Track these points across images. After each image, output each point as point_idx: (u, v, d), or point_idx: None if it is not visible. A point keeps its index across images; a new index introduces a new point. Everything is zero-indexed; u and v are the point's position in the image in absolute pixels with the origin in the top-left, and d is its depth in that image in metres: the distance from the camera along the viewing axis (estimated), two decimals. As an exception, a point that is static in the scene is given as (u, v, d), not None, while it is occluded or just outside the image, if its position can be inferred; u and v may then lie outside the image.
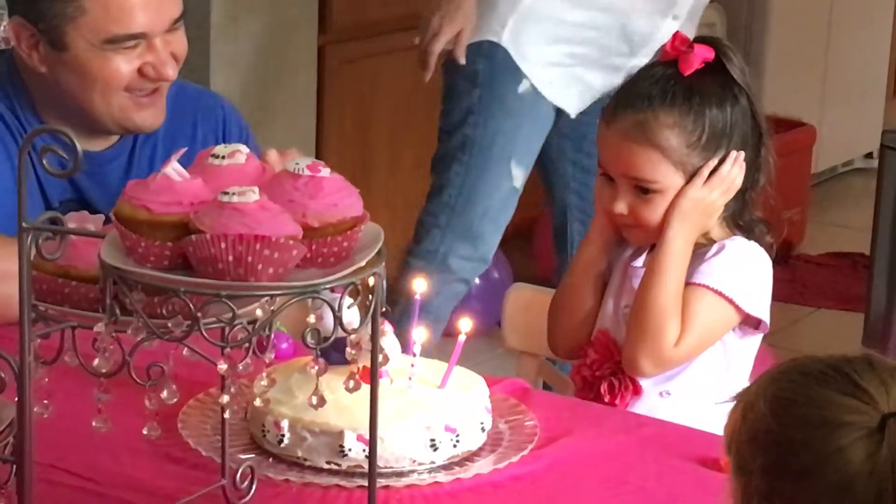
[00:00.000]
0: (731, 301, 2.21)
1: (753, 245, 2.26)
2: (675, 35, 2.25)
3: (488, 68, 3.43)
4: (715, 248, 2.24)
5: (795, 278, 5.32)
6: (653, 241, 2.26)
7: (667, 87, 2.21)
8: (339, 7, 4.56)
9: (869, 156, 6.22)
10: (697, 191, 2.20)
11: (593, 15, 3.44)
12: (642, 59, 3.28)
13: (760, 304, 2.24)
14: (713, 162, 2.20)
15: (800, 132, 5.72)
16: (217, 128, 2.59)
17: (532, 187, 3.63)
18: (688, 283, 2.21)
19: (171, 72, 2.41)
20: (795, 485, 1.31)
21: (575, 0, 3.43)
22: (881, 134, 4.21)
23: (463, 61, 3.41)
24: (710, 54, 2.21)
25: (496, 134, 3.46)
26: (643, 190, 2.22)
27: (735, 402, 1.43)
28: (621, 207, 2.23)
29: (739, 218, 2.27)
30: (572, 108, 3.46)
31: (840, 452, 1.30)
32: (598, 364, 2.27)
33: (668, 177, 2.21)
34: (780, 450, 1.33)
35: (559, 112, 3.50)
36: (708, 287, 2.21)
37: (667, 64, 2.24)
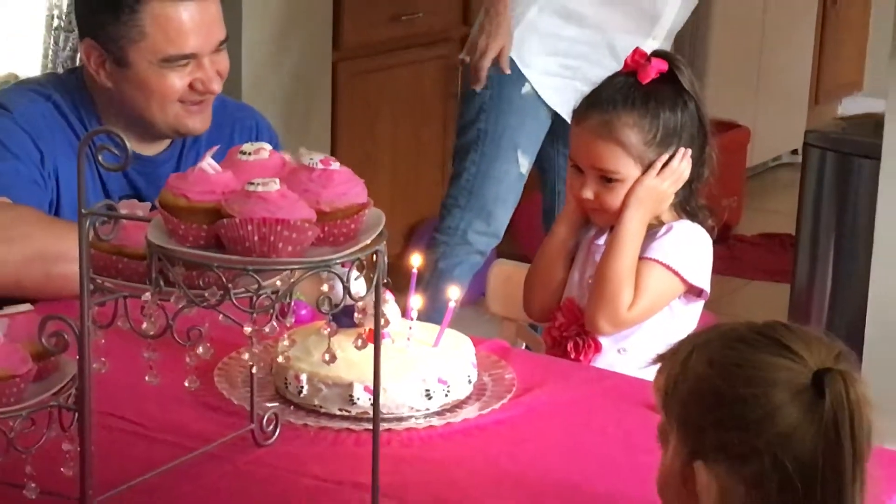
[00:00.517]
0: (676, 273, 2.21)
1: (697, 227, 2.26)
2: (635, 50, 2.25)
3: (497, 73, 3.43)
4: (664, 228, 2.24)
5: (733, 255, 5.32)
6: (614, 222, 2.26)
7: (628, 93, 2.22)
8: (350, 28, 4.55)
9: (794, 152, 6.21)
10: (651, 180, 2.20)
11: (586, 32, 3.45)
12: None
13: (702, 275, 2.24)
14: (665, 156, 2.21)
15: (736, 132, 5.71)
16: (251, 136, 2.59)
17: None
18: (641, 258, 2.21)
19: (217, 86, 2.43)
20: (746, 434, 1.30)
21: (569, 19, 3.44)
22: (804, 133, 4.20)
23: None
24: (664, 66, 2.22)
25: (505, 128, 3.49)
26: (607, 179, 2.22)
27: (664, 361, 1.42)
28: (588, 194, 2.24)
29: (686, 204, 2.27)
30: (566, 113, 3.46)
31: (781, 408, 1.29)
32: (566, 326, 2.27)
33: (628, 168, 2.21)
34: (731, 407, 1.32)
35: (555, 114, 3.50)
36: (657, 261, 2.21)
37: (627, 74, 2.24)
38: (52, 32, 4.81)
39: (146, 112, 2.42)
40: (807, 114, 6.45)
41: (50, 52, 4.83)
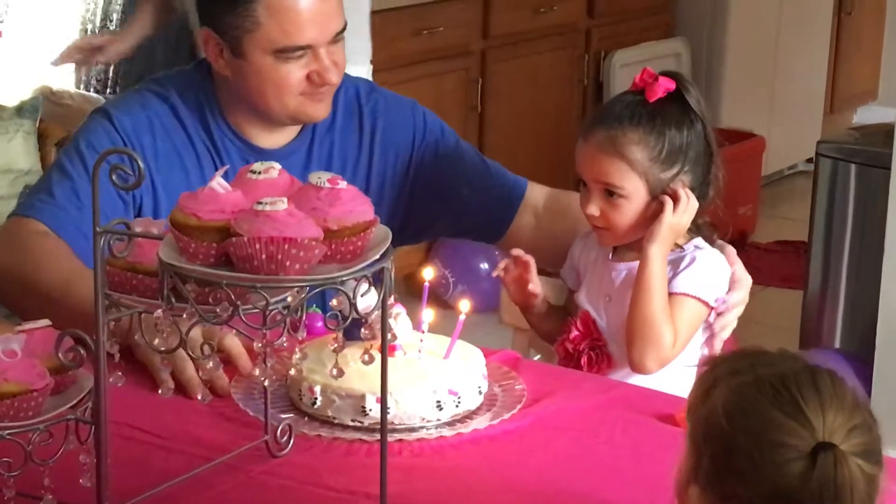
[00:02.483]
0: (705, 302, 2.20)
1: (715, 252, 2.25)
2: (644, 70, 2.24)
3: None
4: (687, 259, 2.21)
5: (748, 262, 5.20)
6: (619, 242, 2.25)
7: (634, 111, 2.20)
8: (377, 43, 4.55)
9: (809, 160, 6.16)
10: (671, 218, 2.18)
11: None
12: None
13: (720, 296, 2.23)
14: (676, 187, 2.19)
15: (752, 142, 5.69)
16: (415, 129, 2.50)
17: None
18: (671, 294, 2.19)
19: (335, 78, 2.31)
20: (735, 481, 1.30)
21: None
22: (816, 144, 4.17)
23: None
24: (671, 85, 2.20)
25: None
26: (612, 195, 2.21)
27: (701, 369, 1.41)
28: (593, 210, 2.22)
29: (693, 223, 2.25)
30: None
31: (777, 467, 1.28)
32: (580, 339, 2.25)
33: (633, 184, 2.19)
34: (726, 449, 1.31)
35: None
36: (688, 295, 2.19)
37: (635, 93, 2.22)
38: (87, 41, 4.83)
39: (263, 102, 2.32)
40: (821, 123, 6.42)
41: (83, 66, 4.85)
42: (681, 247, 2.23)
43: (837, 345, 3.98)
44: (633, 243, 2.25)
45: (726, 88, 5.90)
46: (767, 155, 5.80)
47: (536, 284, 2.28)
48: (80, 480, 1.57)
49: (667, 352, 2.17)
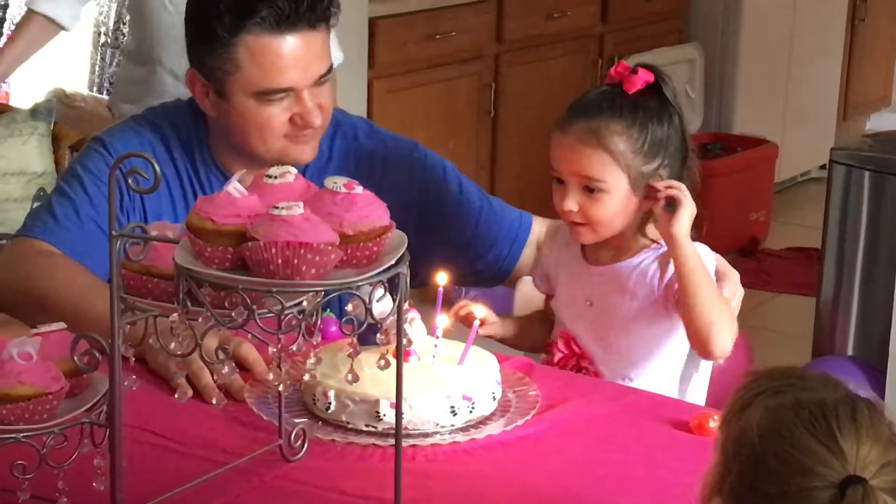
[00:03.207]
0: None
1: (699, 245, 2.15)
2: (619, 63, 2.18)
3: None
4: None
5: (761, 268, 5.29)
6: (598, 239, 2.18)
7: (614, 102, 2.13)
8: (384, 49, 4.56)
9: (823, 167, 6.17)
10: (683, 214, 2.09)
11: None
12: None
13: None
14: (657, 183, 2.13)
15: (765, 148, 5.69)
16: (413, 172, 2.45)
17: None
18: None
19: (318, 121, 2.28)
20: (759, 502, 1.28)
21: None
22: (830, 151, 4.17)
23: None
24: (650, 77, 2.14)
25: None
26: (591, 189, 2.13)
27: (740, 381, 1.38)
28: (571, 205, 2.14)
29: None
30: None
31: (803, 494, 1.26)
32: (565, 361, 2.21)
33: (614, 177, 2.13)
34: (755, 468, 1.29)
35: None
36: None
37: (612, 85, 2.16)
38: (99, 49, 4.84)
39: (247, 144, 2.30)
40: (835, 129, 6.42)
41: (96, 68, 4.87)
42: (656, 241, 2.17)
43: (850, 352, 3.97)
44: (607, 243, 2.19)
45: (739, 94, 5.90)
46: (780, 161, 5.79)
47: (491, 328, 2.23)
48: (94, 484, 1.57)
49: (736, 325, 2.11)
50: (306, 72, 2.26)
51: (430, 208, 2.44)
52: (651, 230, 2.18)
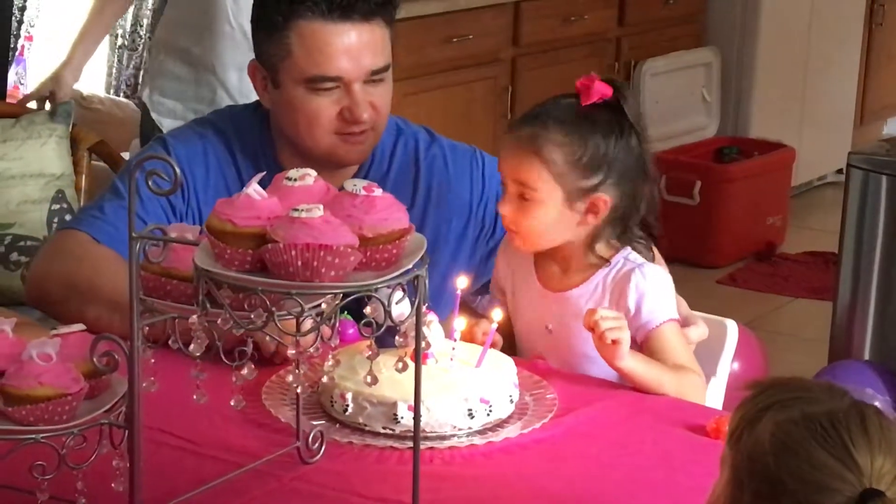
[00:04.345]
0: (676, 320, 2.11)
1: (654, 266, 2.13)
2: (589, 75, 2.13)
3: None
4: (635, 293, 2.08)
5: (777, 273, 5.28)
6: (532, 249, 2.14)
7: (564, 112, 2.09)
8: (401, 52, 4.55)
9: (840, 171, 6.16)
10: (624, 350, 1.98)
11: None
12: None
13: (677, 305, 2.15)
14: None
15: (782, 152, 5.68)
16: (473, 183, 2.43)
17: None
18: (653, 329, 2.08)
19: (366, 116, 2.25)
20: None
21: None
22: (847, 155, 4.16)
23: None
24: (608, 92, 2.09)
25: None
26: (524, 197, 2.09)
27: (743, 394, 1.38)
28: (505, 209, 2.11)
29: (621, 237, 2.13)
30: None
31: None
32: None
33: (546, 187, 2.07)
34: (772, 487, 1.28)
35: None
36: (662, 322, 2.08)
37: (574, 95, 2.12)
38: (116, 51, 4.86)
39: (297, 136, 2.28)
40: (851, 134, 6.40)
41: (114, 71, 4.88)
42: (608, 260, 2.12)
43: (867, 356, 3.96)
44: (554, 260, 2.15)
45: (756, 98, 5.89)
46: (797, 166, 5.78)
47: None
48: (113, 485, 1.58)
49: (702, 387, 2.10)
50: (357, 63, 2.24)
51: (489, 218, 2.42)
52: (602, 248, 2.13)
